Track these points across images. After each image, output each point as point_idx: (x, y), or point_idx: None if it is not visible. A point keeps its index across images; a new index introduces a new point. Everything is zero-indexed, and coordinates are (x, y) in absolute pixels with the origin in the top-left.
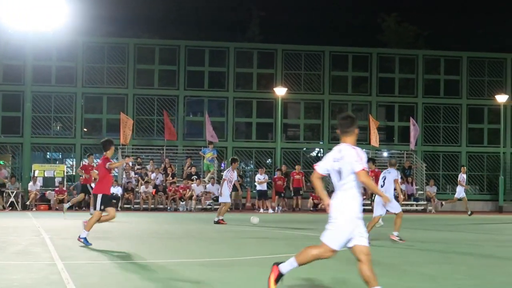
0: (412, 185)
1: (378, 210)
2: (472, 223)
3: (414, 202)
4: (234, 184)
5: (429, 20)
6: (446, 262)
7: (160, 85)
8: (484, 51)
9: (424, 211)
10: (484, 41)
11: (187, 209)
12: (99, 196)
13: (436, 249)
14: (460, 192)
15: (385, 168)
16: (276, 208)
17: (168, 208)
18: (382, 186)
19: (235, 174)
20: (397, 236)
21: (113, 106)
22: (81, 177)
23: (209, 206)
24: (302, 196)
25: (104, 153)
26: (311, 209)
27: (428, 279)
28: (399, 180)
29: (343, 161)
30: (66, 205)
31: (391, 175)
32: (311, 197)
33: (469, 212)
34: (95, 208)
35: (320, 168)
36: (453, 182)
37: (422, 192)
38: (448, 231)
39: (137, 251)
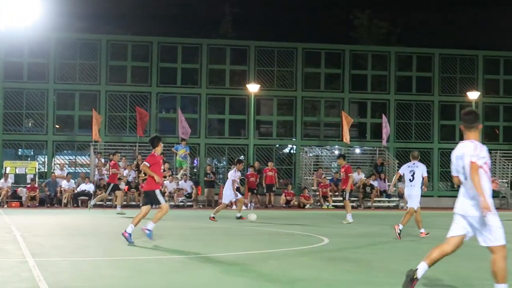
0: (384, 181)
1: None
2: (441, 218)
3: (387, 199)
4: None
5: (401, 17)
6: (417, 258)
7: (133, 81)
8: (456, 48)
9: (396, 207)
10: (456, 38)
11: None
12: (157, 192)
13: (407, 245)
14: None
15: (360, 164)
16: (249, 204)
17: (141, 204)
18: (411, 181)
19: (238, 174)
20: (400, 230)
21: (85, 102)
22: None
23: (182, 203)
24: (275, 193)
25: (153, 150)
26: (284, 205)
27: (399, 275)
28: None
29: (465, 157)
30: (92, 202)
31: (420, 169)
32: (284, 194)
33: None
34: (145, 204)
35: (452, 171)
36: None
37: (394, 188)
38: (426, 228)
39: (108, 247)
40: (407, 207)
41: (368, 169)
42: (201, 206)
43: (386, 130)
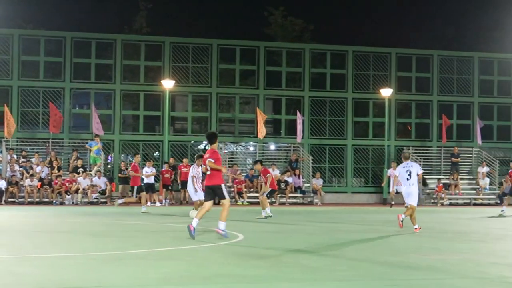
0: (299, 177)
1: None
2: (356, 214)
3: (301, 195)
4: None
5: (314, 14)
6: (329, 254)
7: (46, 77)
8: (369, 46)
9: (310, 203)
10: (369, 36)
11: (73, 202)
12: (223, 186)
13: (319, 240)
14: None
15: (274, 160)
16: (164, 201)
17: (54, 201)
18: (408, 179)
19: (200, 170)
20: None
21: None
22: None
23: (96, 200)
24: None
25: (210, 146)
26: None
27: (310, 270)
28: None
29: None
30: (119, 201)
31: (415, 168)
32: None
33: (392, 202)
34: (209, 200)
35: None
36: (339, 174)
37: (308, 184)
38: (332, 222)
39: (21, 245)
40: (408, 204)
41: (282, 165)
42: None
43: (301, 125)
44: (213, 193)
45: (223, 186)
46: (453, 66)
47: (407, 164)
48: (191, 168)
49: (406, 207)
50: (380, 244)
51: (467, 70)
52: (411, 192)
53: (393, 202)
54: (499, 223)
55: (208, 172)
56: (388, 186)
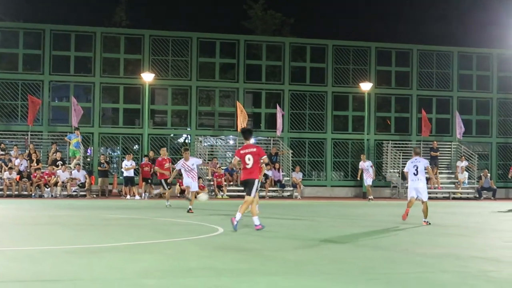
0: (278, 171)
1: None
2: (336, 208)
3: (280, 188)
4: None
5: (294, 8)
6: (310, 248)
7: (25, 69)
8: (349, 40)
9: (290, 197)
10: (349, 30)
11: (52, 195)
12: (257, 181)
13: (300, 234)
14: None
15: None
16: (143, 194)
17: (33, 194)
18: (415, 174)
19: (189, 162)
20: (426, 221)
21: None
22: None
23: (75, 193)
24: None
25: (246, 142)
26: (178, 195)
27: (290, 264)
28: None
29: None
30: (155, 192)
31: (422, 163)
32: (178, 183)
33: (370, 197)
34: (248, 193)
35: None
36: (319, 168)
37: (288, 178)
38: (312, 216)
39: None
40: (411, 197)
41: None
42: (94, 195)
43: (281, 119)
44: (246, 187)
45: (256, 181)
46: (433, 61)
47: (416, 159)
48: (179, 163)
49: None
50: (360, 238)
51: (446, 64)
52: (418, 187)
53: (371, 197)
54: (478, 217)
55: (248, 166)
56: (362, 178)
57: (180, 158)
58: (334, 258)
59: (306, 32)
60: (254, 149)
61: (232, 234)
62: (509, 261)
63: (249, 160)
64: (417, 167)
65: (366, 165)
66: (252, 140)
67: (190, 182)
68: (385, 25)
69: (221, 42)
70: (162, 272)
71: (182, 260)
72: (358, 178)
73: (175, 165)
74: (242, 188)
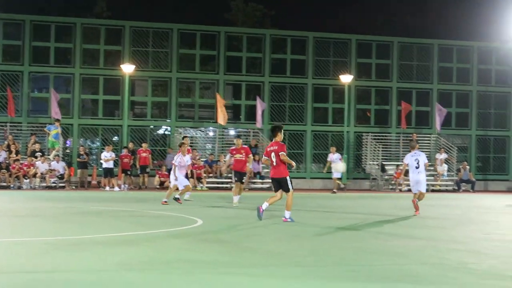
0: (258, 163)
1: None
2: (315, 200)
3: (260, 180)
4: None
5: (275, 0)
6: (290, 240)
7: (4, 60)
8: (329, 32)
9: (269, 189)
10: (330, 22)
11: (31, 187)
12: (289, 178)
13: (278, 227)
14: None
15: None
16: (123, 186)
17: (12, 186)
18: (417, 168)
19: (186, 158)
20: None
21: None
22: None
23: (54, 184)
24: (149, 174)
25: (275, 138)
26: (158, 186)
27: (271, 256)
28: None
29: None
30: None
31: (422, 157)
32: (158, 175)
33: (335, 190)
34: (278, 190)
35: None
36: (298, 160)
37: (267, 170)
38: (297, 209)
39: None
40: (417, 190)
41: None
42: (73, 187)
43: (261, 111)
44: (279, 185)
45: (288, 178)
46: (413, 53)
47: (415, 153)
48: (176, 156)
49: (415, 194)
50: (340, 230)
51: (426, 57)
52: (419, 179)
53: (342, 186)
54: (457, 210)
55: (274, 164)
56: (330, 171)
57: (159, 150)
58: (314, 250)
59: (287, 24)
60: (276, 147)
61: (212, 226)
62: (489, 253)
63: (274, 158)
64: (418, 161)
65: (335, 157)
66: (278, 137)
67: (183, 179)
68: (365, 17)
69: (202, 34)
70: (142, 264)
71: (161, 252)
72: (324, 171)
73: (173, 160)
74: (238, 181)
